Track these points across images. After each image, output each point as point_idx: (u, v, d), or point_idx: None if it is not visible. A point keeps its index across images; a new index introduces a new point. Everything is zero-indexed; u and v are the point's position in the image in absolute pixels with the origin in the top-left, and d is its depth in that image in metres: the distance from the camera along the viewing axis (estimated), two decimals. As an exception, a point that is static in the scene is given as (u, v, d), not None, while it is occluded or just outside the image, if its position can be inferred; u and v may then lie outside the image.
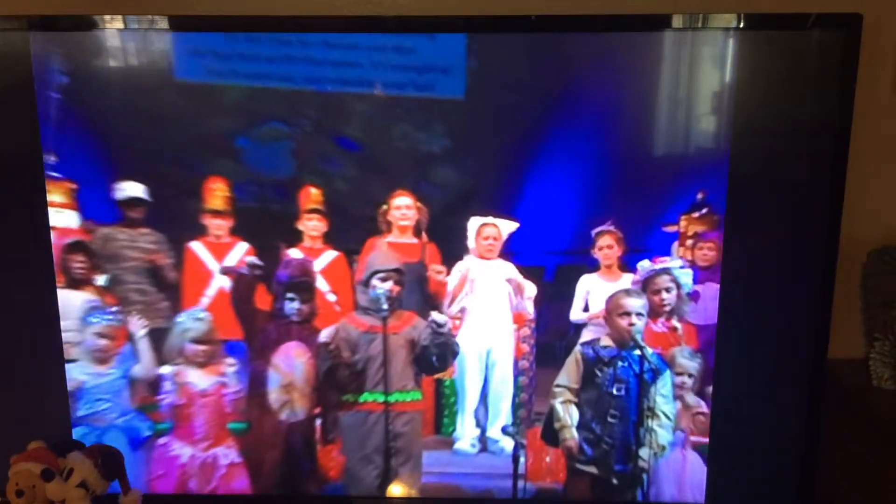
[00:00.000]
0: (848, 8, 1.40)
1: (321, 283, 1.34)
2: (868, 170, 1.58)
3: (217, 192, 1.27)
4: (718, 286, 1.38)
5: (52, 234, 1.26)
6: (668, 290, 1.36)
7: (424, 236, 1.34)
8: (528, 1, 1.43)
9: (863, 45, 1.40)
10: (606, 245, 1.32)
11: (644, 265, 1.36)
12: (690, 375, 1.38)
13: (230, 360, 1.34)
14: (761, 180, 1.45)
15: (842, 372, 1.61)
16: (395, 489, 1.43)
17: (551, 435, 1.41)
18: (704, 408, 1.41)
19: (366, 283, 1.32)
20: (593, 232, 1.33)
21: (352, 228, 1.32)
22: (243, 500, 1.46)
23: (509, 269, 1.37)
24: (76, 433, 1.41)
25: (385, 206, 1.31)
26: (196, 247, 1.30)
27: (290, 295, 1.33)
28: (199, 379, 1.34)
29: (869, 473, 1.50)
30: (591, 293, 1.40)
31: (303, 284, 1.33)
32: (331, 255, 1.33)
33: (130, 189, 1.27)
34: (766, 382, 1.53)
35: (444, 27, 1.31)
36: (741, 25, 1.39)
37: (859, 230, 1.59)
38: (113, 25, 1.26)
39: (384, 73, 1.22)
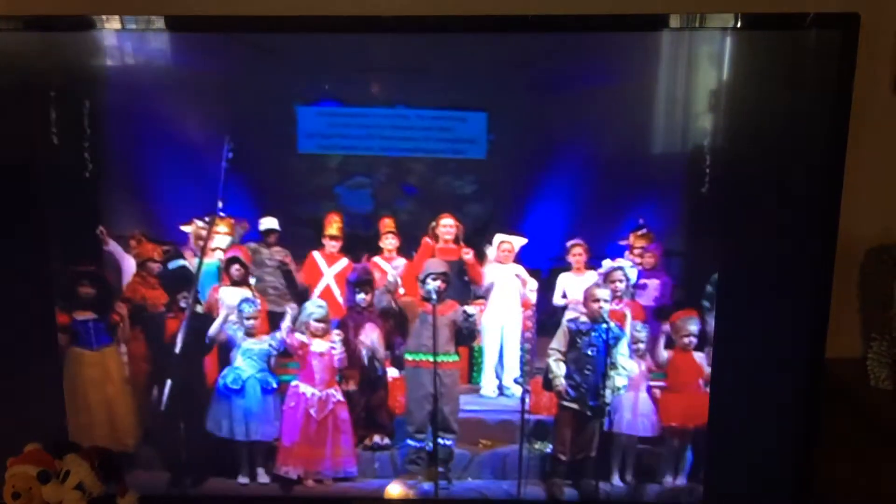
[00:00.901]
0: (845, 8, 1.33)
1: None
2: (865, 169, 1.49)
3: (334, 222, 1.71)
4: (659, 281, 1.66)
5: (220, 253, 1.71)
6: (620, 281, 1.67)
7: (462, 245, 1.72)
8: (522, 3, 1.47)
9: (860, 45, 1.32)
10: (577, 253, 1.68)
11: (606, 263, 1.68)
12: (642, 341, 1.70)
13: (336, 332, 1.73)
14: (759, 180, 1.41)
15: (839, 371, 1.53)
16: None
17: (547, 383, 1.75)
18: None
19: (422, 281, 1.72)
20: (568, 244, 1.67)
21: (413, 243, 1.71)
22: (240, 501, 1.69)
23: (519, 270, 1.74)
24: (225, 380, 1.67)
25: (434, 224, 1.71)
26: (316, 255, 1.75)
27: (357, 289, 1.74)
28: (317, 345, 1.73)
29: (867, 472, 1.45)
30: (567, 286, 1.72)
31: (365, 282, 1.76)
32: (401, 261, 1.76)
33: (268, 223, 1.71)
34: (764, 382, 1.48)
35: (441, 27, 1.46)
36: (738, 25, 1.35)
37: (857, 229, 1.51)
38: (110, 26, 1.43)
39: (433, 144, 1.60)
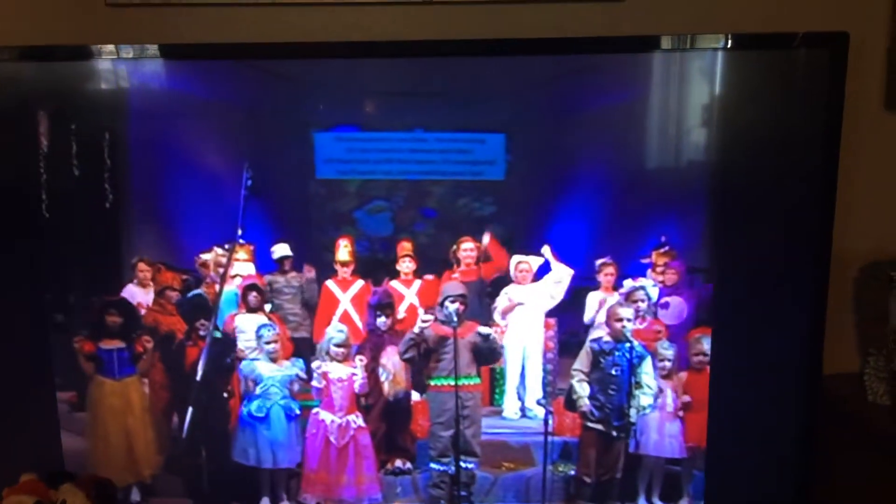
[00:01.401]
0: (835, 27, 1.36)
1: (415, 301, 1.74)
2: (858, 186, 1.50)
3: (344, 247, 1.71)
4: (681, 299, 1.64)
5: (240, 279, 1.72)
6: (642, 301, 1.67)
7: (481, 265, 1.72)
8: (518, 25, 1.52)
9: (850, 63, 1.35)
10: (608, 272, 1.68)
11: (628, 283, 1.68)
12: (669, 360, 1.68)
13: (360, 357, 1.72)
14: (753, 198, 1.42)
15: (837, 387, 1.52)
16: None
17: (570, 403, 1.74)
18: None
19: (441, 304, 1.70)
20: (598, 262, 1.67)
21: (432, 266, 1.72)
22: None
23: (539, 290, 1.72)
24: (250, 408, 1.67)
25: (455, 247, 1.72)
26: (329, 284, 1.76)
27: (378, 313, 1.75)
28: (337, 371, 1.73)
29: (866, 488, 1.43)
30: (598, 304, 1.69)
31: (386, 305, 1.75)
32: (418, 283, 1.76)
33: (281, 250, 1.72)
34: (761, 398, 1.48)
35: (433, 51, 1.46)
36: (729, 45, 1.37)
37: (851, 246, 1.52)
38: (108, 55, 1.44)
39: (452, 167, 1.61)
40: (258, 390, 1.74)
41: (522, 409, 1.83)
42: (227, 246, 1.69)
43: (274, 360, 1.74)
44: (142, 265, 1.71)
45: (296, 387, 1.76)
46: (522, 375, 1.83)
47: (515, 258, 1.73)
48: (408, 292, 1.78)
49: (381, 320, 1.75)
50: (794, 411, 1.48)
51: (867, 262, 1.54)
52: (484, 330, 1.72)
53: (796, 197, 1.41)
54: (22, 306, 1.61)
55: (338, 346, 1.73)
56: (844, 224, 1.44)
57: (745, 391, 1.52)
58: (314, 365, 1.74)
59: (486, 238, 1.71)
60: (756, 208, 1.44)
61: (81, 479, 1.46)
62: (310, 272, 1.75)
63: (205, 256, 1.71)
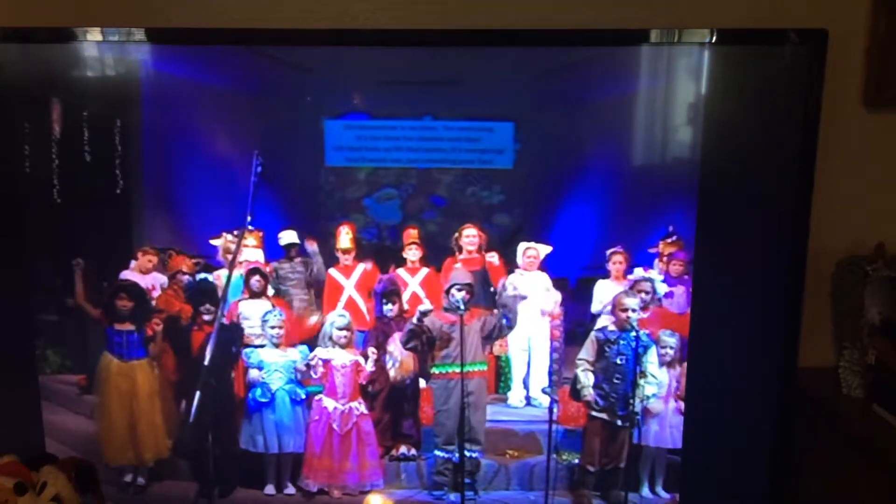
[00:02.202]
0: (814, 24, 1.38)
1: (418, 290, 1.77)
2: (835, 181, 1.50)
3: (345, 234, 1.71)
4: (685, 287, 1.63)
5: (245, 265, 1.73)
6: (647, 292, 1.68)
7: (484, 254, 1.72)
8: (506, 16, 1.51)
9: (830, 60, 1.36)
10: (618, 261, 1.68)
11: (638, 272, 1.68)
12: (672, 348, 1.68)
13: (372, 349, 1.72)
14: (731, 193, 1.43)
15: (812, 380, 1.53)
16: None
17: (575, 393, 1.75)
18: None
19: (447, 292, 1.71)
20: (608, 251, 1.68)
21: (439, 254, 1.73)
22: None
23: (545, 279, 1.74)
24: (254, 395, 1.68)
25: (457, 234, 1.72)
26: (332, 272, 1.77)
27: (384, 300, 1.76)
28: (341, 356, 1.74)
29: (839, 480, 1.44)
30: (604, 294, 1.71)
31: (392, 293, 1.76)
32: (425, 271, 1.78)
33: (288, 237, 1.74)
34: (737, 391, 1.49)
35: (417, 41, 1.47)
36: (713, 41, 1.38)
37: (827, 241, 1.52)
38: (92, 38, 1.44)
39: (461, 155, 1.60)
40: (262, 376, 1.75)
41: (527, 398, 1.85)
42: (235, 232, 1.70)
43: (278, 346, 1.75)
44: (147, 251, 1.71)
45: (299, 375, 1.77)
46: (528, 365, 1.84)
47: (523, 245, 1.73)
48: (412, 280, 1.79)
49: (388, 307, 1.76)
50: (769, 404, 1.50)
51: (844, 257, 1.53)
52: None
53: (773, 192, 1.43)
54: (6, 287, 1.61)
55: (340, 329, 1.73)
56: (821, 219, 1.45)
57: (721, 383, 1.53)
58: (312, 354, 1.75)
59: (496, 258, 1.73)
60: (733, 203, 1.45)
61: (63, 462, 1.45)
62: (311, 244, 1.74)
63: (214, 242, 1.72)
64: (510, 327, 1.74)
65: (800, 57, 1.37)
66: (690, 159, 1.53)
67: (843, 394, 1.51)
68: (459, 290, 1.72)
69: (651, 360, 1.73)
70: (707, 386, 1.54)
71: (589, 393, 1.74)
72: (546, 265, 1.74)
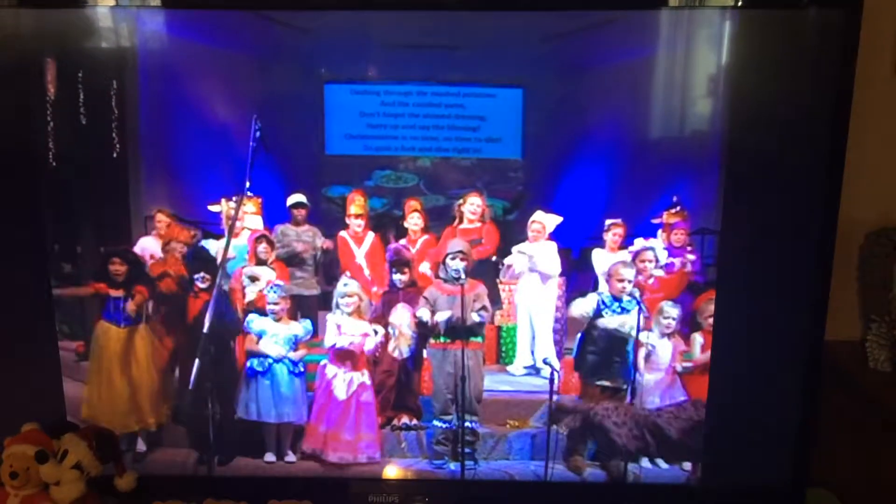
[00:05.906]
0: None
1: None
2: (867, 152, 1.47)
3: (357, 201, 1.71)
4: (691, 257, 1.63)
5: (249, 233, 1.72)
6: (650, 261, 1.66)
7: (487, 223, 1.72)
8: None
9: (863, 26, 1.31)
10: (616, 233, 1.67)
11: (639, 242, 1.66)
12: (673, 319, 1.65)
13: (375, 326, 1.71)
14: (760, 163, 1.40)
15: (839, 354, 1.52)
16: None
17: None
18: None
19: (443, 262, 1.70)
20: (607, 222, 1.67)
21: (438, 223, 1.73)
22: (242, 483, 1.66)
23: (551, 249, 1.72)
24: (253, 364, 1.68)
25: (461, 201, 1.71)
26: (343, 235, 1.76)
27: (394, 269, 1.74)
28: (348, 325, 1.72)
29: (865, 454, 1.45)
30: (601, 263, 1.71)
31: (402, 262, 1.75)
32: (423, 237, 1.76)
33: (296, 197, 1.71)
34: (764, 364, 1.48)
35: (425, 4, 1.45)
36: (739, 4, 1.35)
37: (857, 212, 1.50)
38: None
39: (465, 122, 1.58)
40: (261, 346, 1.75)
41: (532, 367, 1.84)
42: (234, 198, 1.68)
43: (278, 321, 1.74)
44: (160, 216, 1.69)
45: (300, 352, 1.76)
46: (533, 336, 1.84)
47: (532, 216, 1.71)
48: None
49: (398, 277, 1.74)
50: (795, 376, 1.48)
51: (873, 229, 1.52)
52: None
53: (804, 163, 1.40)
54: (25, 257, 1.59)
55: (344, 296, 1.72)
56: (851, 190, 1.42)
57: (746, 356, 1.51)
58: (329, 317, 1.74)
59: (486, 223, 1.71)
60: (763, 173, 1.43)
61: (83, 430, 1.44)
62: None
63: (213, 208, 1.70)
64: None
65: (833, 22, 1.32)
66: (710, 129, 1.50)
67: (869, 367, 1.49)
68: (453, 258, 1.70)
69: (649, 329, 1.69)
70: (732, 359, 1.52)
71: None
72: (554, 236, 1.71)
